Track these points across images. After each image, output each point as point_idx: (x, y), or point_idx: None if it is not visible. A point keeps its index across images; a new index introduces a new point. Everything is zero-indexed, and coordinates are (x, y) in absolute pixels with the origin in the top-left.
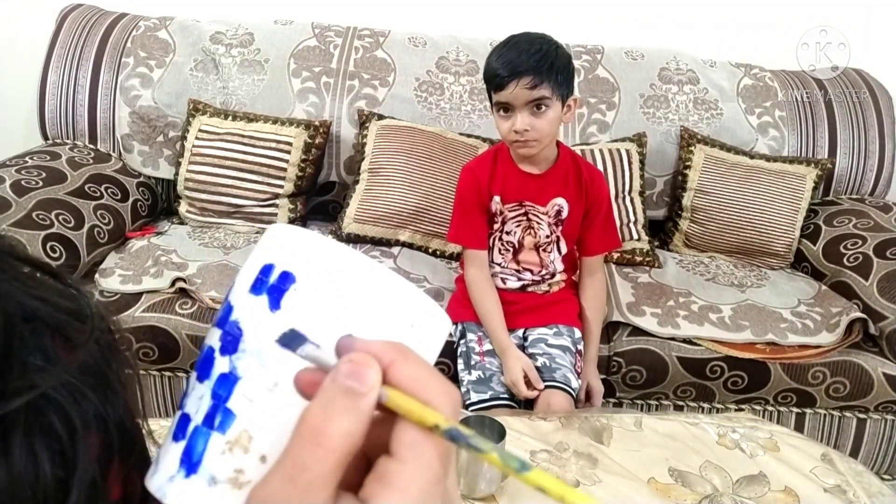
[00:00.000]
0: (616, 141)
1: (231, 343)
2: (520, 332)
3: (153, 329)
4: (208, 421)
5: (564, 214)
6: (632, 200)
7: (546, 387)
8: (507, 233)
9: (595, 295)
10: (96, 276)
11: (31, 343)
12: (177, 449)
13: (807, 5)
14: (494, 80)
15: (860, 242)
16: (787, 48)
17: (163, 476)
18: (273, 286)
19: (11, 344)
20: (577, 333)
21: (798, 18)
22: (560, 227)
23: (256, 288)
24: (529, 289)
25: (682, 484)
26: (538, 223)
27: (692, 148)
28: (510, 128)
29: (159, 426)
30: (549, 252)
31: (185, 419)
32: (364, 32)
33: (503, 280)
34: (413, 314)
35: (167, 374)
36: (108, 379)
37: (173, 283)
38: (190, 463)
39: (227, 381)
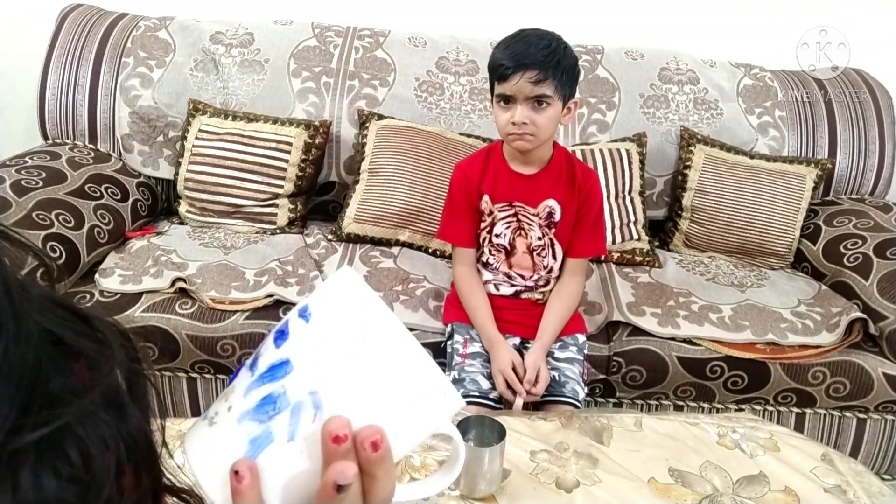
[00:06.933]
0: (616, 141)
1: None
2: (516, 341)
3: (153, 329)
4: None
5: (557, 217)
6: (632, 200)
7: (555, 401)
8: (497, 235)
9: (570, 294)
10: (96, 276)
11: (57, 366)
12: None
13: (807, 5)
14: (499, 70)
15: (860, 242)
16: (788, 48)
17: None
18: (287, 326)
19: (41, 365)
20: (581, 339)
21: (798, 18)
22: (553, 230)
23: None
24: (523, 295)
25: (682, 484)
26: (529, 224)
27: (692, 148)
28: (508, 120)
29: (158, 426)
30: (544, 257)
31: None
32: (364, 32)
33: (496, 286)
34: (406, 376)
35: (167, 374)
36: (125, 401)
37: (173, 283)
38: (204, 412)
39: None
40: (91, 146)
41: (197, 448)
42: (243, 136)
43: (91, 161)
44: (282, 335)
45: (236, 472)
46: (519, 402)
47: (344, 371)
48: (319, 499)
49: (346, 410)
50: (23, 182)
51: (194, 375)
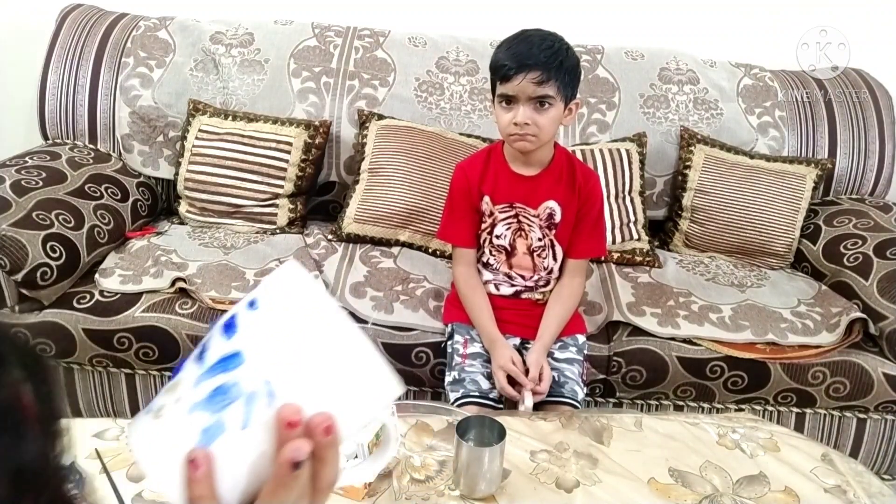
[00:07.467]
0: (616, 141)
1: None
2: (516, 341)
3: (153, 329)
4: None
5: (557, 218)
6: (632, 200)
7: (554, 402)
8: (497, 236)
9: (570, 294)
10: (96, 276)
11: None
12: None
13: (807, 5)
14: (501, 70)
15: (860, 242)
16: (788, 48)
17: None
18: (235, 318)
19: None
20: (581, 339)
21: (798, 18)
22: (553, 231)
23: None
24: (523, 295)
25: (682, 484)
26: (529, 226)
27: (692, 148)
28: (510, 120)
29: (67, 440)
30: (544, 258)
31: None
32: (364, 32)
33: (496, 286)
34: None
35: (167, 374)
36: (19, 423)
37: (173, 283)
38: (149, 406)
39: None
40: (91, 146)
41: (144, 441)
42: (243, 136)
43: (91, 161)
44: (230, 328)
45: (192, 461)
46: (528, 396)
47: (295, 361)
48: (276, 478)
49: (298, 398)
50: (23, 182)
51: None
